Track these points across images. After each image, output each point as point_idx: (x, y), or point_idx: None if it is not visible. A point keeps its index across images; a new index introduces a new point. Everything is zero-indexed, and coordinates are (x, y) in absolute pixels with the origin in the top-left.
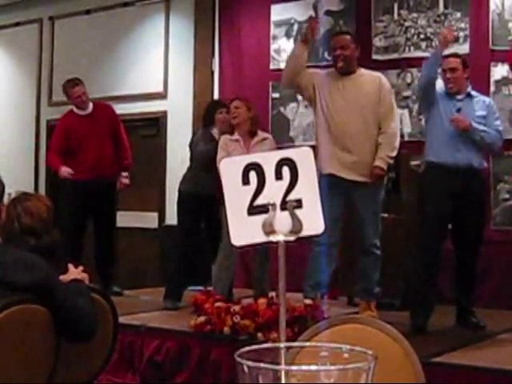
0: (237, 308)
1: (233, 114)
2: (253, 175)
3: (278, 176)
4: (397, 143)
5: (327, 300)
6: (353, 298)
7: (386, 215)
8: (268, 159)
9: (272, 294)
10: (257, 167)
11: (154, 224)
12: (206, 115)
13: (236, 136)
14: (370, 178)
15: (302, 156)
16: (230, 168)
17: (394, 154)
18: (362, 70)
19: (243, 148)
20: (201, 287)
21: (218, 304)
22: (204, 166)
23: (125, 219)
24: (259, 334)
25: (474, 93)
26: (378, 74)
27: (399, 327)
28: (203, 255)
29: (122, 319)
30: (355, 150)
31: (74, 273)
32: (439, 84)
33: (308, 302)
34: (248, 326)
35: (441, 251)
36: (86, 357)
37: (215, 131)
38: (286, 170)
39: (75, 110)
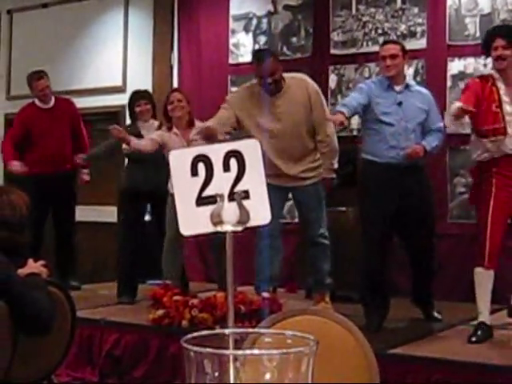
0: (195, 301)
1: (175, 107)
2: (201, 167)
3: (226, 168)
4: (336, 146)
5: (286, 293)
6: (311, 291)
7: (343, 208)
8: (216, 151)
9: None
10: (205, 159)
11: (113, 218)
12: (129, 111)
13: (174, 130)
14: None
15: (250, 148)
16: (178, 160)
17: (337, 158)
18: (287, 80)
19: (182, 141)
20: (159, 281)
21: (177, 297)
22: (136, 163)
23: (83, 213)
24: (217, 327)
25: (410, 82)
26: (302, 77)
27: (355, 320)
28: (159, 249)
29: (80, 313)
30: (294, 162)
31: (32, 267)
32: (374, 79)
33: (266, 295)
34: (206, 320)
35: (384, 246)
36: (43, 351)
37: (141, 124)
38: (233, 162)
39: (37, 102)
